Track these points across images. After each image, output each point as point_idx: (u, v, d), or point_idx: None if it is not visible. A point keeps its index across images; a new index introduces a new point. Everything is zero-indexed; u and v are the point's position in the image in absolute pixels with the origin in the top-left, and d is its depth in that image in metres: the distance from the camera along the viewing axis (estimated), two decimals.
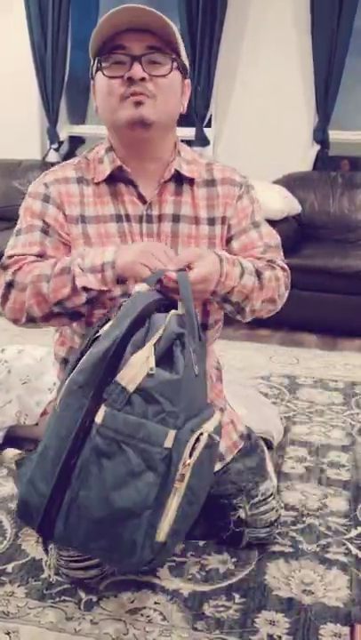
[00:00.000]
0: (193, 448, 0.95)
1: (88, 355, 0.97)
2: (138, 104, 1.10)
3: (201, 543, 1.40)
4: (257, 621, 1.19)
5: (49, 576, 1.29)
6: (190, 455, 0.95)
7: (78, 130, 4.04)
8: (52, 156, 3.86)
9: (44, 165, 3.71)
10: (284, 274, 1.28)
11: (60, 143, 3.88)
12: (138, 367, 0.94)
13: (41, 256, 1.16)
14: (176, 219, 1.20)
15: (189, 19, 3.37)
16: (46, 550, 1.31)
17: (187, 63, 1.18)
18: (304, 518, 1.50)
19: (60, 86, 3.72)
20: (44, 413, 1.83)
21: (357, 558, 1.37)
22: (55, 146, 3.85)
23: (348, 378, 2.43)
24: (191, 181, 1.22)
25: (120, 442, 0.93)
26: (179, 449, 0.94)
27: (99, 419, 0.94)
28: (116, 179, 1.19)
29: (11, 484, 1.64)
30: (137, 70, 1.09)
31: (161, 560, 0.98)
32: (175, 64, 1.13)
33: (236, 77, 3.52)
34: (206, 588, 1.27)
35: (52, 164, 3.70)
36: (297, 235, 3.20)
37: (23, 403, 1.81)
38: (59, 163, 3.92)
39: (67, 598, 1.24)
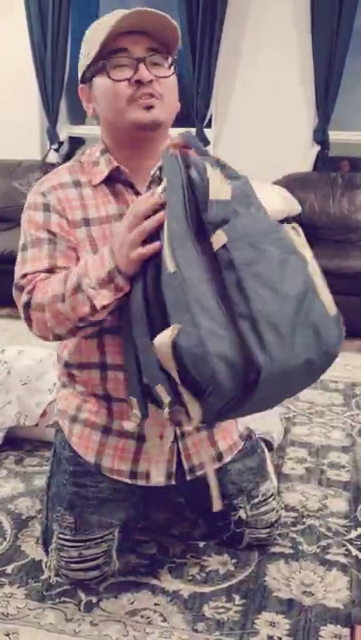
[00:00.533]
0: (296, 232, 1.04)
1: (168, 217, 0.97)
2: (149, 107, 1.11)
3: (201, 544, 1.40)
4: (257, 622, 1.18)
5: (49, 577, 1.28)
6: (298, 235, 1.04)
7: (78, 130, 4.04)
8: (52, 157, 3.86)
9: (44, 166, 3.72)
10: None
11: (60, 144, 3.88)
12: (219, 181, 0.97)
13: (52, 269, 1.14)
14: None
15: (189, 18, 3.37)
16: (46, 551, 1.30)
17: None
18: (304, 519, 1.50)
19: (60, 87, 3.72)
20: (43, 414, 1.83)
21: (358, 559, 1.37)
22: (55, 146, 3.85)
23: (348, 379, 2.43)
24: None
25: (254, 243, 0.94)
26: (287, 233, 1.02)
27: (221, 240, 0.93)
28: (114, 179, 1.19)
29: (11, 484, 1.64)
30: (145, 72, 1.10)
31: (344, 331, 1.05)
32: (173, 64, 1.15)
33: (236, 77, 3.52)
34: (206, 589, 1.27)
35: (53, 165, 3.72)
36: None
37: (23, 404, 1.81)
38: (59, 163, 3.94)
39: (66, 599, 1.23)
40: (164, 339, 0.90)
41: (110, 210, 1.18)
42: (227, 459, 1.32)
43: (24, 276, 1.14)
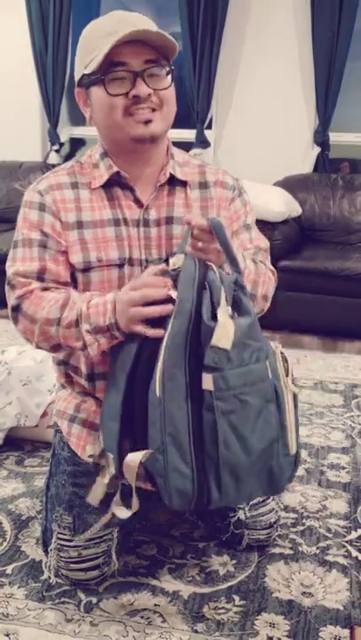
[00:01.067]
0: (286, 367, 1.09)
1: (168, 337, 1.01)
2: (147, 122, 1.11)
3: (201, 545, 1.40)
4: (257, 623, 1.18)
5: (49, 578, 1.29)
6: (286, 374, 1.08)
7: (79, 131, 4.05)
8: (53, 158, 3.86)
9: (45, 167, 3.72)
10: (273, 276, 1.30)
11: (61, 145, 3.89)
12: (228, 324, 1.00)
13: (42, 272, 1.16)
14: (170, 220, 1.20)
15: (190, 21, 3.38)
16: (46, 552, 1.30)
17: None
18: (304, 520, 1.50)
19: (61, 88, 3.73)
20: (44, 415, 1.83)
21: (357, 560, 1.37)
22: (56, 147, 3.85)
23: (348, 380, 2.43)
24: (184, 183, 1.22)
25: (237, 395, 1.01)
26: (275, 373, 1.07)
27: (208, 386, 1.00)
28: (113, 183, 1.19)
29: (11, 484, 1.64)
30: (143, 87, 1.08)
31: (295, 473, 1.13)
32: (171, 74, 1.13)
33: (236, 79, 3.52)
34: (206, 589, 1.27)
35: (53, 166, 3.72)
36: (297, 237, 3.20)
37: (23, 404, 1.81)
38: (59, 164, 3.95)
39: (66, 600, 1.23)
40: (135, 458, 1.03)
41: (105, 214, 1.18)
42: None
43: (16, 274, 1.17)
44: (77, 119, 4.13)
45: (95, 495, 1.14)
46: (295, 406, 1.10)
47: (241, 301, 1.05)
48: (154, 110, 1.11)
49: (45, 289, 1.16)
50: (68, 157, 4.03)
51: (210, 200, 1.23)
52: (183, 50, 3.45)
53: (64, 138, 3.92)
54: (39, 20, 3.62)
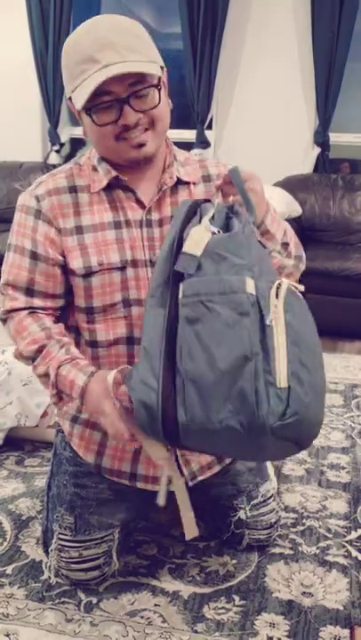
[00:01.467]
0: (277, 292, 0.98)
1: (157, 259, 1.04)
2: (140, 145, 1.09)
3: (201, 545, 1.40)
4: (257, 623, 1.18)
5: (49, 578, 1.29)
6: (277, 297, 0.97)
7: (79, 131, 4.05)
8: (54, 158, 3.87)
9: (46, 167, 3.72)
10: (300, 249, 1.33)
11: (62, 145, 3.89)
12: (199, 234, 0.99)
13: (30, 284, 1.17)
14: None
15: (190, 21, 3.38)
16: (47, 552, 1.30)
17: (160, 61, 1.10)
18: (304, 520, 1.50)
19: (62, 88, 3.73)
20: (44, 415, 1.83)
21: (357, 560, 1.37)
22: (56, 147, 3.85)
23: (348, 380, 2.43)
24: (188, 182, 1.21)
25: (204, 302, 0.96)
26: (263, 294, 0.96)
27: (180, 293, 0.98)
28: (114, 186, 1.17)
29: (11, 484, 1.64)
30: (130, 115, 1.04)
31: (294, 413, 0.92)
32: (160, 87, 1.07)
33: (236, 79, 3.53)
34: (206, 589, 1.27)
35: (54, 166, 3.72)
36: (297, 237, 3.20)
37: (23, 404, 1.81)
38: (60, 164, 3.95)
39: (66, 600, 1.24)
40: (112, 375, 1.07)
41: (106, 217, 1.16)
42: (228, 460, 1.32)
43: (6, 284, 1.19)
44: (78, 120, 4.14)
45: (154, 451, 1.08)
46: (293, 341, 0.95)
47: (232, 224, 1.02)
48: (146, 129, 1.08)
49: (32, 312, 1.17)
50: (68, 157, 4.03)
51: (214, 193, 1.21)
52: (183, 50, 3.45)
53: (64, 138, 3.92)
54: (39, 20, 3.63)
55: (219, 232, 1.01)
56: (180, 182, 1.19)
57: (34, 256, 1.16)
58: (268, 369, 0.92)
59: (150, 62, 1.05)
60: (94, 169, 1.17)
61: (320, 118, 3.40)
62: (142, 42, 1.05)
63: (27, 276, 1.17)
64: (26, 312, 1.17)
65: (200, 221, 1.03)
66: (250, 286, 0.95)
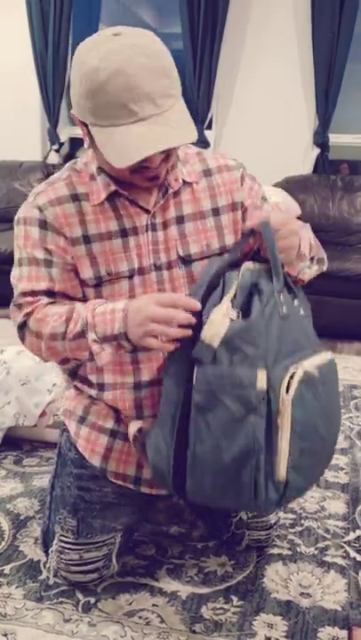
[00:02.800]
0: (288, 384, 0.98)
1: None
2: (154, 178, 1.07)
3: (199, 545, 1.40)
4: (255, 624, 1.18)
5: (47, 578, 1.28)
6: (287, 391, 0.97)
7: (79, 131, 4.04)
8: (53, 158, 3.86)
9: (45, 167, 3.72)
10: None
11: (61, 144, 3.89)
12: (218, 322, 1.00)
13: (51, 290, 1.13)
14: (180, 220, 1.17)
15: (191, 21, 3.38)
16: (46, 552, 1.30)
17: (180, 87, 1.04)
18: (302, 521, 1.50)
19: (61, 87, 3.73)
20: (42, 415, 1.83)
21: (356, 561, 1.37)
22: (56, 147, 3.85)
23: (347, 381, 2.43)
24: (191, 182, 1.19)
25: (215, 392, 0.99)
26: (275, 387, 0.98)
27: (194, 379, 1.01)
28: (114, 195, 1.13)
29: (9, 484, 1.64)
30: (156, 159, 1.02)
31: (289, 499, 1.02)
32: None
33: (236, 80, 3.53)
34: (204, 590, 1.27)
35: (53, 166, 3.72)
36: None
37: (22, 404, 1.81)
38: (60, 164, 3.93)
39: (64, 600, 1.23)
40: (132, 427, 1.14)
41: (112, 226, 1.13)
42: None
43: (23, 293, 1.14)
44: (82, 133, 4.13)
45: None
46: (298, 434, 0.98)
47: (251, 305, 1.02)
48: (162, 161, 1.05)
49: (51, 303, 1.14)
50: (67, 157, 4.03)
51: (217, 187, 1.20)
52: (184, 50, 3.45)
53: (64, 137, 3.92)
54: (39, 20, 3.62)
55: (238, 314, 1.02)
56: (183, 183, 1.18)
57: (49, 264, 1.13)
58: (270, 462, 0.99)
59: (181, 104, 1.01)
60: (92, 178, 1.14)
61: (320, 119, 3.40)
62: (172, 79, 0.99)
63: (46, 285, 1.13)
64: (44, 305, 1.13)
65: (221, 298, 1.03)
66: (261, 380, 0.98)
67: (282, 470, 0.98)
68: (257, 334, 1.00)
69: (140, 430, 1.14)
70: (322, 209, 3.31)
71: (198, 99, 3.48)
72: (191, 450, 1.02)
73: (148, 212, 1.14)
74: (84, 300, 1.15)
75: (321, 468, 1.11)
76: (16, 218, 1.17)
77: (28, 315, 1.13)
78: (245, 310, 1.02)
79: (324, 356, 1.07)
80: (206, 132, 3.60)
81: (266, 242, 1.05)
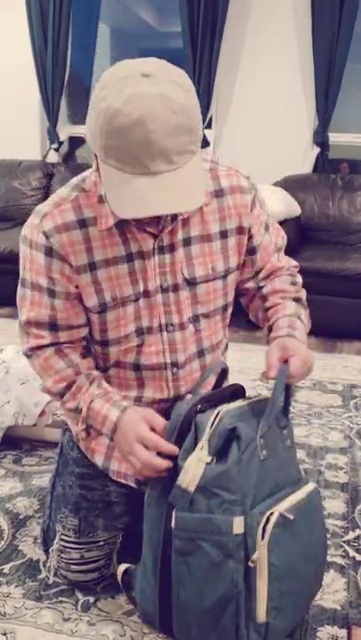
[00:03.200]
0: (264, 529, 0.99)
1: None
2: (159, 219, 1.08)
3: None
4: None
5: (46, 577, 1.28)
6: (263, 536, 0.99)
7: (78, 130, 4.04)
8: (52, 157, 3.86)
9: (44, 166, 3.72)
10: (298, 275, 1.32)
11: (60, 143, 3.88)
12: (193, 469, 1.02)
13: (53, 320, 1.14)
14: (187, 242, 1.14)
15: (190, 20, 3.38)
16: (46, 550, 1.30)
17: (201, 136, 0.99)
18: None
19: (61, 86, 3.73)
20: (42, 414, 1.83)
21: (355, 561, 1.37)
22: (55, 146, 3.85)
23: (346, 380, 2.43)
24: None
25: (195, 539, 1.01)
26: (251, 532, 0.99)
27: (173, 524, 1.03)
28: (123, 220, 1.09)
29: (9, 484, 1.64)
30: (163, 215, 1.04)
31: (271, 635, 1.02)
32: None
33: (236, 79, 3.52)
34: None
35: (53, 165, 3.72)
36: (297, 237, 3.20)
37: (21, 403, 1.81)
38: (59, 163, 3.93)
39: (64, 599, 1.23)
40: (121, 568, 1.18)
41: (118, 251, 1.10)
42: None
43: (28, 323, 1.16)
44: (77, 118, 4.13)
45: None
46: (276, 577, 0.99)
47: (229, 449, 1.01)
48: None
49: (58, 348, 1.15)
50: (67, 156, 4.03)
51: (227, 209, 1.17)
52: (183, 49, 3.45)
53: (63, 136, 3.92)
54: (39, 19, 3.62)
55: (213, 460, 1.01)
56: None
57: (52, 294, 1.12)
58: (250, 606, 1.00)
59: (196, 160, 0.97)
60: (101, 201, 1.10)
61: (320, 118, 3.40)
62: (194, 135, 0.95)
63: (48, 314, 1.13)
64: (52, 349, 1.15)
65: (195, 443, 1.03)
66: (237, 526, 0.99)
67: (261, 612, 0.99)
68: (232, 480, 1.00)
69: (126, 572, 1.17)
70: (322, 208, 3.31)
71: (198, 97, 3.48)
72: (175, 594, 1.04)
73: (155, 236, 1.11)
74: (89, 324, 1.16)
75: (303, 606, 1.12)
76: (22, 235, 1.14)
77: (33, 350, 1.17)
78: (222, 453, 1.02)
79: (304, 491, 1.08)
80: (206, 132, 3.60)
81: (276, 383, 1.05)
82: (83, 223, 1.10)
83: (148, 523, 1.10)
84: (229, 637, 1.01)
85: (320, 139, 3.43)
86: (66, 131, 3.96)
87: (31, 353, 1.17)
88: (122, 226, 1.10)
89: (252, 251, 1.23)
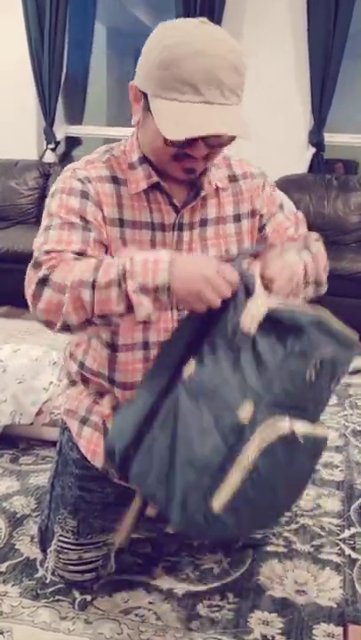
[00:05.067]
0: (267, 433, 0.93)
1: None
2: (190, 171, 1.07)
3: (195, 543, 1.40)
4: (251, 621, 1.19)
5: (43, 576, 1.29)
6: (262, 438, 0.92)
7: (75, 130, 4.04)
8: (49, 156, 3.86)
9: (41, 166, 3.71)
10: (320, 241, 1.31)
11: (57, 143, 3.88)
12: (257, 305, 0.95)
13: (82, 254, 1.04)
14: (204, 223, 1.17)
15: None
16: (44, 550, 1.30)
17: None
18: (298, 518, 1.51)
19: (57, 86, 3.72)
20: (39, 413, 1.83)
21: (351, 558, 1.37)
22: (52, 146, 3.85)
23: (343, 380, 2.44)
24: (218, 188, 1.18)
25: (198, 397, 0.95)
26: (253, 427, 0.92)
27: (186, 373, 0.98)
28: (151, 187, 1.12)
29: (6, 482, 1.64)
30: (200, 149, 1.02)
31: (213, 534, 0.97)
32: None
33: None
34: (200, 587, 1.27)
35: (49, 165, 3.71)
36: None
37: (18, 402, 1.81)
38: (55, 163, 3.92)
39: (61, 598, 1.24)
40: None
41: (144, 217, 1.12)
42: None
43: (47, 252, 1.03)
44: (73, 118, 4.13)
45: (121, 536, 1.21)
46: (252, 482, 0.92)
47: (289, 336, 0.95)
48: (203, 159, 1.05)
49: (78, 259, 1.03)
50: (63, 156, 4.03)
51: (240, 194, 1.21)
52: None
53: (60, 136, 3.91)
54: (35, 19, 3.62)
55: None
56: (215, 187, 1.17)
57: (85, 228, 1.06)
58: (212, 488, 0.92)
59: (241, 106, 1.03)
60: (132, 167, 1.12)
61: (315, 118, 3.41)
62: (243, 82, 1.04)
63: (78, 246, 1.04)
64: (71, 258, 1.02)
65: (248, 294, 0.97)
66: (245, 410, 0.93)
67: (219, 502, 0.92)
68: (265, 371, 0.94)
69: (108, 416, 1.15)
70: (317, 208, 3.32)
71: None
72: (150, 440, 0.99)
73: (177, 211, 1.14)
74: None
75: (257, 525, 1.06)
76: (52, 190, 1.11)
77: (52, 268, 1.01)
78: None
79: (320, 431, 1.02)
80: None
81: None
82: (115, 180, 1.12)
83: (156, 367, 1.04)
84: (178, 500, 0.94)
85: (315, 139, 3.44)
86: (62, 130, 3.95)
87: (49, 271, 1.00)
88: (150, 194, 1.12)
89: (260, 228, 1.24)
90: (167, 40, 0.98)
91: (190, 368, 0.98)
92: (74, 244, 1.04)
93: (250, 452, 0.92)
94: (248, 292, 0.97)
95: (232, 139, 1.06)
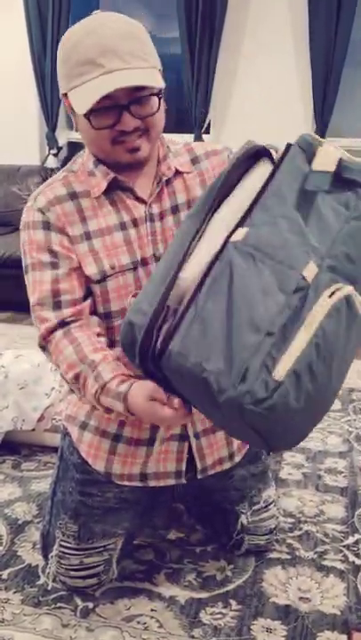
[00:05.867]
0: (333, 294, 0.89)
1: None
2: (134, 150, 1.09)
3: (198, 550, 1.40)
4: (254, 629, 1.18)
5: (45, 583, 1.28)
6: (330, 297, 0.89)
7: (77, 135, 4.02)
8: (51, 162, 3.87)
9: (43, 171, 3.72)
10: None
11: (59, 149, 3.89)
12: (331, 151, 0.95)
13: (56, 294, 1.13)
14: (175, 209, 1.18)
15: (188, 26, 3.39)
16: (45, 556, 1.30)
17: (159, 65, 1.09)
18: (301, 525, 1.50)
19: (59, 91, 3.73)
20: (40, 419, 1.83)
21: (355, 565, 1.36)
22: (54, 151, 3.86)
23: (345, 384, 2.43)
24: (182, 173, 1.20)
25: (256, 258, 0.92)
26: (317, 289, 0.89)
27: (238, 237, 0.95)
28: (113, 187, 1.16)
29: (8, 489, 1.64)
30: (128, 121, 1.05)
31: (273, 405, 0.85)
32: (160, 96, 1.08)
33: (234, 84, 3.54)
34: (203, 594, 1.27)
35: (52, 170, 3.72)
36: None
37: (20, 408, 1.81)
38: (58, 168, 3.93)
39: (62, 605, 1.23)
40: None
41: (111, 220, 1.15)
42: (237, 459, 1.30)
43: (34, 306, 1.14)
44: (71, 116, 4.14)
45: None
46: (316, 346, 0.87)
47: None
48: (141, 135, 1.08)
49: (66, 330, 1.12)
50: (66, 161, 4.03)
51: (206, 172, 1.22)
52: (181, 55, 3.46)
53: (62, 141, 3.92)
54: (37, 23, 3.63)
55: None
56: (176, 172, 1.19)
57: (54, 265, 1.13)
58: (274, 355, 0.87)
59: (152, 68, 1.05)
60: (90, 174, 1.16)
61: (317, 123, 3.41)
62: (145, 47, 1.05)
63: (50, 288, 1.13)
64: (60, 332, 1.12)
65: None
66: (309, 270, 0.90)
67: (283, 369, 0.86)
68: (325, 230, 0.93)
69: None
70: None
71: (196, 103, 3.49)
72: (201, 304, 0.91)
73: (144, 203, 1.16)
74: (92, 297, 1.15)
75: (313, 413, 0.95)
76: (21, 225, 1.18)
77: (45, 340, 1.14)
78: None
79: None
80: (204, 137, 3.61)
81: None
82: (74, 195, 1.15)
83: (175, 238, 1.04)
84: (236, 371, 0.87)
85: None
86: (65, 136, 3.96)
87: (44, 343, 1.14)
88: (111, 196, 1.15)
89: None
90: (64, 39, 1.07)
91: (240, 234, 0.95)
92: (45, 285, 1.13)
93: (316, 312, 0.88)
94: (304, 150, 1.00)
95: (157, 105, 1.08)
